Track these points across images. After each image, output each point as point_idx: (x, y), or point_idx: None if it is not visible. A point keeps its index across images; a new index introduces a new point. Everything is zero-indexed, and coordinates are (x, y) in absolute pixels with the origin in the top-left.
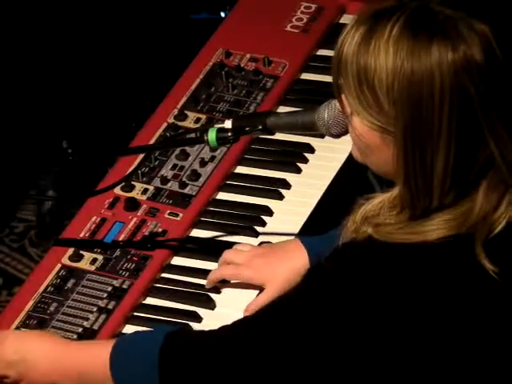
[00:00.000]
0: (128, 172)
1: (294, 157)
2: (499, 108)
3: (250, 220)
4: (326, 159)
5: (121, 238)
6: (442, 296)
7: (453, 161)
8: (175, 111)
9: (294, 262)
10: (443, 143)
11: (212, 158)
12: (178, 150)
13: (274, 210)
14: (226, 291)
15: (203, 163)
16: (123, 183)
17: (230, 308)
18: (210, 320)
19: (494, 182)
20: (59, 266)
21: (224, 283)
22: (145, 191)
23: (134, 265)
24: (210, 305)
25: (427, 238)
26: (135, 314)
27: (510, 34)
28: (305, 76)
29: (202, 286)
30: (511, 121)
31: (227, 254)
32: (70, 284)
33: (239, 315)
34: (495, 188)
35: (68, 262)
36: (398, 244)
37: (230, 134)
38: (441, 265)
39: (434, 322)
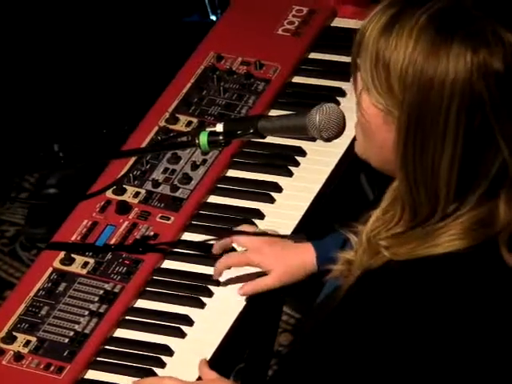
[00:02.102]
0: (119, 175)
1: (285, 160)
2: None
3: (241, 223)
4: (318, 163)
5: (112, 242)
6: (483, 307)
7: (459, 164)
8: (167, 114)
9: (303, 259)
10: (449, 144)
11: (203, 162)
12: (169, 154)
13: (265, 214)
14: (218, 294)
15: (195, 166)
16: (115, 186)
17: (221, 311)
18: (202, 323)
19: None
20: (50, 269)
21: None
22: (136, 194)
23: (125, 268)
24: (202, 308)
25: (449, 249)
26: (127, 317)
27: None
28: (296, 79)
29: (193, 290)
30: None
31: (236, 239)
32: (61, 288)
33: (231, 318)
34: None
35: (59, 266)
36: (421, 260)
37: (221, 137)
38: (474, 274)
39: (477, 334)
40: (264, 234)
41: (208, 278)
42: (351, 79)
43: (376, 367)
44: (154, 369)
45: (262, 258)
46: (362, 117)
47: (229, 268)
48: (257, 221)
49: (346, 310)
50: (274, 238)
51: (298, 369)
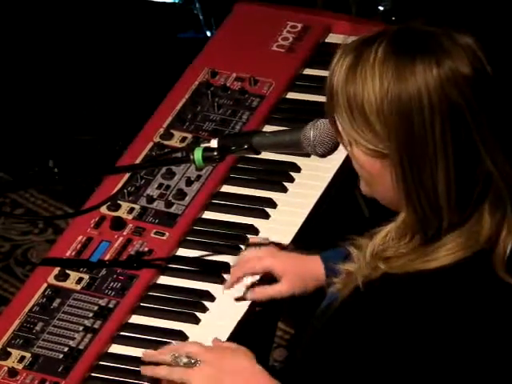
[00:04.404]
0: (114, 191)
1: (279, 176)
2: (492, 120)
3: (235, 239)
4: (312, 178)
5: (107, 258)
6: (476, 319)
7: (454, 177)
8: (161, 130)
9: (314, 270)
10: (441, 160)
11: (198, 177)
12: (163, 169)
13: (259, 229)
14: (212, 310)
15: (189, 182)
16: (109, 202)
17: (216, 327)
18: (197, 339)
19: (496, 198)
20: (45, 285)
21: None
22: (131, 210)
23: (119, 284)
24: (197, 324)
25: (444, 263)
26: (121, 333)
27: (496, 46)
28: (291, 95)
29: (188, 305)
30: (504, 134)
31: (248, 252)
32: (55, 303)
33: (226, 334)
34: (498, 204)
35: (54, 282)
36: (416, 273)
37: (215, 153)
38: (466, 286)
39: (471, 346)
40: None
41: (203, 294)
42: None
43: (368, 375)
44: None
45: (275, 261)
46: (362, 170)
47: (243, 276)
48: (251, 236)
49: (341, 320)
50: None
51: (297, 379)
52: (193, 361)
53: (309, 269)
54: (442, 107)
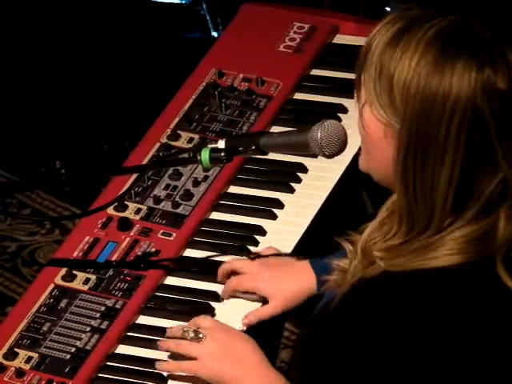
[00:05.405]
0: (121, 192)
1: (287, 176)
2: None
3: (243, 240)
4: (319, 179)
5: (114, 258)
6: (474, 320)
7: (457, 178)
8: (168, 131)
9: (302, 283)
10: (449, 157)
11: (205, 178)
12: (170, 170)
13: (267, 230)
14: (220, 313)
15: (196, 183)
16: (116, 203)
17: None
18: None
19: None
20: (52, 285)
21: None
22: (138, 211)
23: (127, 285)
24: None
25: (445, 263)
26: (128, 333)
27: None
28: (298, 96)
29: (195, 306)
30: None
31: (233, 263)
32: (63, 304)
33: None
34: None
35: (61, 282)
36: (416, 271)
37: (223, 154)
38: (468, 288)
39: (469, 345)
40: (265, 256)
41: (209, 295)
42: (355, 94)
43: (364, 376)
44: None
45: (260, 284)
46: (363, 130)
47: (234, 292)
48: (258, 237)
49: (339, 317)
50: (273, 261)
51: (295, 380)
52: (200, 335)
53: (296, 285)
54: (465, 111)
